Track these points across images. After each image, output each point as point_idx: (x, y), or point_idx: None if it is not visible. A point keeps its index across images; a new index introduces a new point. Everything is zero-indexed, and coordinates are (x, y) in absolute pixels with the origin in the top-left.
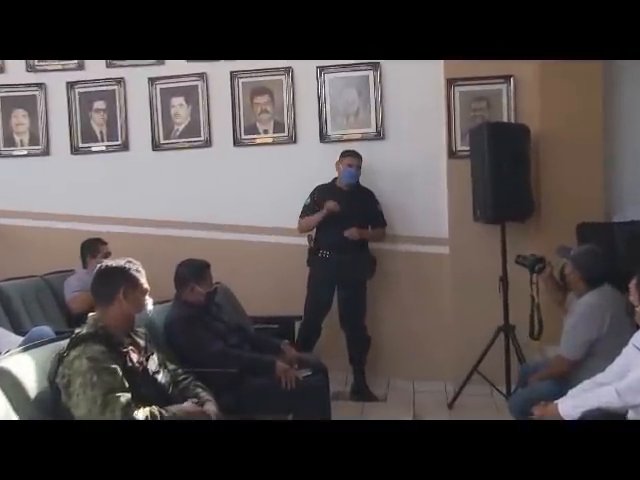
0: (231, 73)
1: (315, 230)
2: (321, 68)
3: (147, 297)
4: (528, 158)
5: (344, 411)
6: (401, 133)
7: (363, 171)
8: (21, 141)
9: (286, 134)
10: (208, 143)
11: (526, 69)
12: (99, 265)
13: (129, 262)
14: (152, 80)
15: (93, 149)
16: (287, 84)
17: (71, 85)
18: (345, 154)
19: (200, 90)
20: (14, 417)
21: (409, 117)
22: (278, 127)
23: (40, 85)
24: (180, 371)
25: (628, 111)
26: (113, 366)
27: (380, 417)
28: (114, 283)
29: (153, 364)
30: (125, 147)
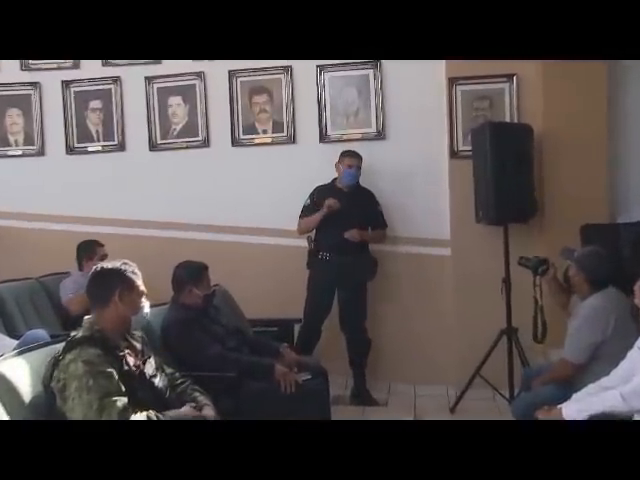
0: (229, 72)
1: (315, 232)
2: (321, 67)
3: (143, 299)
4: (531, 158)
5: (344, 415)
6: (402, 133)
7: (363, 171)
8: (15, 141)
9: (285, 134)
10: (206, 143)
11: (529, 68)
12: (94, 267)
13: (125, 264)
14: (149, 79)
15: (89, 149)
16: (286, 83)
17: (66, 84)
18: (345, 154)
19: (198, 89)
20: None
21: (410, 117)
22: (277, 127)
23: (35, 84)
24: (177, 375)
25: (633, 111)
26: (109, 370)
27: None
28: (109, 285)
29: (150, 368)
30: (121, 147)
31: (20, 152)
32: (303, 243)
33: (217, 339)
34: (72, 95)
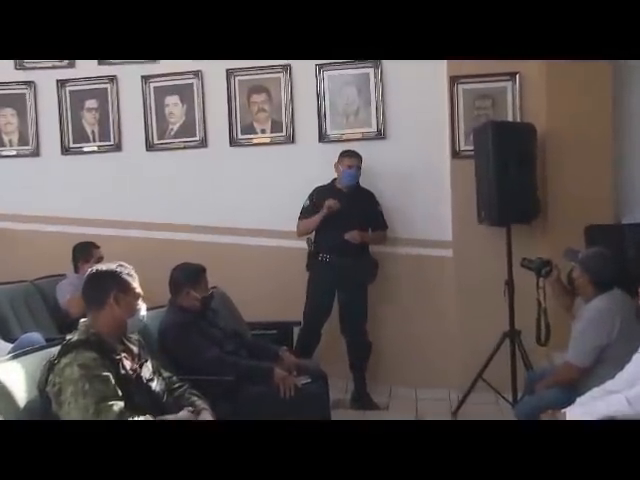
0: (227, 71)
1: (315, 233)
2: (320, 66)
3: (140, 302)
4: (534, 158)
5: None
6: (403, 133)
7: (363, 172)
8: (10, 141)
9: (284, 134)
10: (204, 143)
11: (532, 66)
12: (90, 269)
13: (120, 266)
14: (145, 78)
15: (85, 149)
16: (285, 82)
17: (61, 83)
18: (344, 154)
19: (195, 88)
20: None
21: (411, 116)
22: (276, 126)
23: (29, 83)
24: (175, 379)
25: (638, 111)
26: (105, 373)
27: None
28: (105, 287)
29: (147, 371)
30: (118, 147)
31: (14, 152)
32: (302, 245)
33: (215, 342)
34: (67, 94)
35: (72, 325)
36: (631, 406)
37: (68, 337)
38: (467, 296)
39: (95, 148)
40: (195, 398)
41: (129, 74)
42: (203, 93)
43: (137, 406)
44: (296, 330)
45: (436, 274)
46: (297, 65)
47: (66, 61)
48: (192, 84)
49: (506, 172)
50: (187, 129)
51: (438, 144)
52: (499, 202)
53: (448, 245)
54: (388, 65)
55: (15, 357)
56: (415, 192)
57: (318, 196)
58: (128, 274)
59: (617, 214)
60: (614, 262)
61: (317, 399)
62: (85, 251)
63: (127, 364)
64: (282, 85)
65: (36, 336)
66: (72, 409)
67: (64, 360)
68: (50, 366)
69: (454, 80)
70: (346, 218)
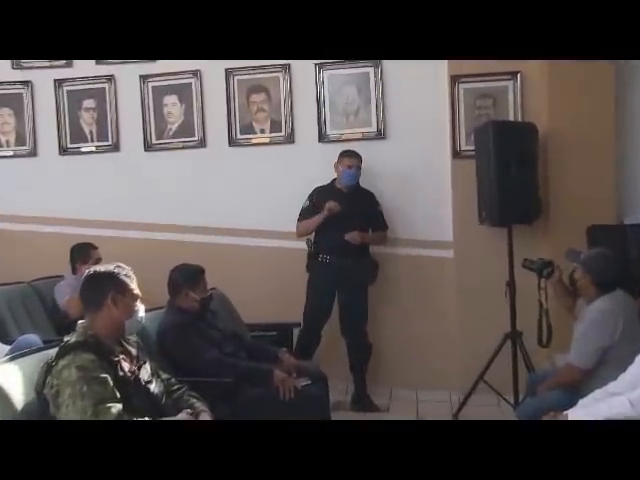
0: (226, 70)
1: (314, 234)
2: (320, 65)
3: (138, 303)
4: (536, 158)
5: None
6: (403, 132)
7: (363, 172)
8: (7, 141)
9: (283, 134)
10: (202, 143)
11: (533, 65)
12: (87, 270)
13: (118, 267)
14: (144, 78)
15: (82, 150)
16: (284, 81)
17: (59, 83)
18: (344, 154)
19: (194, 88)
20: None
21: (411, 116)
22: (275, 126)
23: (26, 83)
24: (174, 381)
25: None
26: (103, 375)
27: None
28: (102, 288)
29: (145, 373)
30: (116, 148)
31: (11, 153)
32: (302, 245)
33: (214, 344)
34: (65, 94)
35: (71, 326)
36: (634, 408)
37: (66, 339)
38: (468, 297)
39: (93, 148)
40: (194, 400)
41: (127, 74)
42: (202, 93)
43: (135, 408)
44: (296, 331)
45: (437, 275)
46: (296, 65)
47: (63, 60)
48: (191, 84)
49: (507, 172)
50: (186, 129)
51: (439, 144)
52: (500, 202)
53: (449, 246)
54: (388, 64)
55: (12, 359)
56: (415, 192)
57: (318, 196)
58: (126, 275)
59: (619, 214)
60: (616, 263)
61: (317, 401)
62: (83, 252)
63: (125, 366)
64: (281, 84)
65: (33, 338)
66: (70, 411)
67: (62, 362)
68: (48, 368)
69: (455, 79)
70: (346, 219)
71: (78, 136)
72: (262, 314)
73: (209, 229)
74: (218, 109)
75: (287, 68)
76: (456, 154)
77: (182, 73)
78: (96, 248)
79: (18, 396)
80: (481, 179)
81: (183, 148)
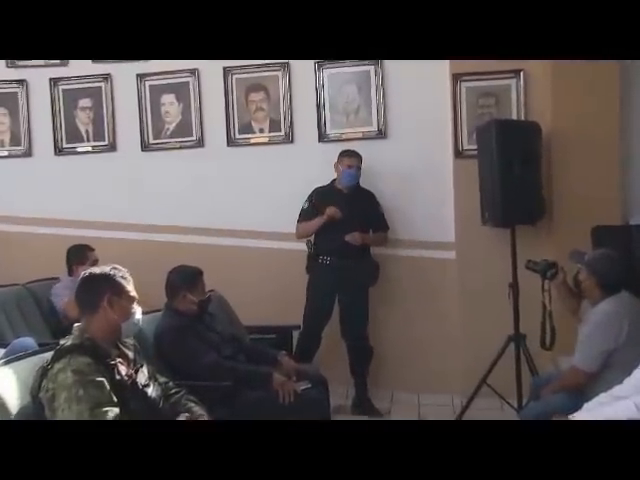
0: (224, 69)
1: (314, 235)
2: (320, 63)
3: (134, 305)
4: (539, 157)
5: None
6: (404, 132)
7: (364, 172)
8: (2, 141)
9: (283, 133)
10: (200, 143)
11: (537, 64)
12: (83, 272)
13: (114, 268)
14: (141, 76)
15: (78, 150)
16: (284, 80)
17: (54, 82)
18: (344, 154)
19: (192, 87)
20: None
21: (412, 114)
22: (274, 126)
23: (21, 82)
24: (171, 384)
25: None
26: (100, 379)
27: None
28: (98, 290)
29: (143, 377)
30: (112, 148)
31: (6, 153)
32: (302, 247)
33: (212, 347)
34: (60, 93)
35: (68, 329)
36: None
37: (62, 342)
38: (470, 299)
39: (89, 148)
40: (192, 404)
41: (124, 72)
42: (200, 92)
43: (132, 412)
44: (296, 334)
45: (439, 276)
46: (296, 63)
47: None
48: (188, 82)
49: (510, 172)
50: (183, 129)
51: (440, 143)
52: (503, 202)
53: (451, 247)
54: (389, 63)
55: (7, 362)
56: (417, 192)
57: (317, 197)
58: (122, 277)
59: (624, 215)
60: (621, 264)
61: (317, 405)
62: (79, 254)
63: (122, 369)
64: (281, 83)
65: (29, 341)
66: (66, 415)
67: (57, 365)
68: (43, 372)
69: (457, 78)
70: (347, 219)
71: (74, 136)
72: (261, 316)
73: (207, 230)
74: (216, 108)
75: (286, 67)
76: (458, 153)
77: (180, 72)
78: (93, 250)
79: (13, 400)
80: (483, 179)
81: (181, 148)
